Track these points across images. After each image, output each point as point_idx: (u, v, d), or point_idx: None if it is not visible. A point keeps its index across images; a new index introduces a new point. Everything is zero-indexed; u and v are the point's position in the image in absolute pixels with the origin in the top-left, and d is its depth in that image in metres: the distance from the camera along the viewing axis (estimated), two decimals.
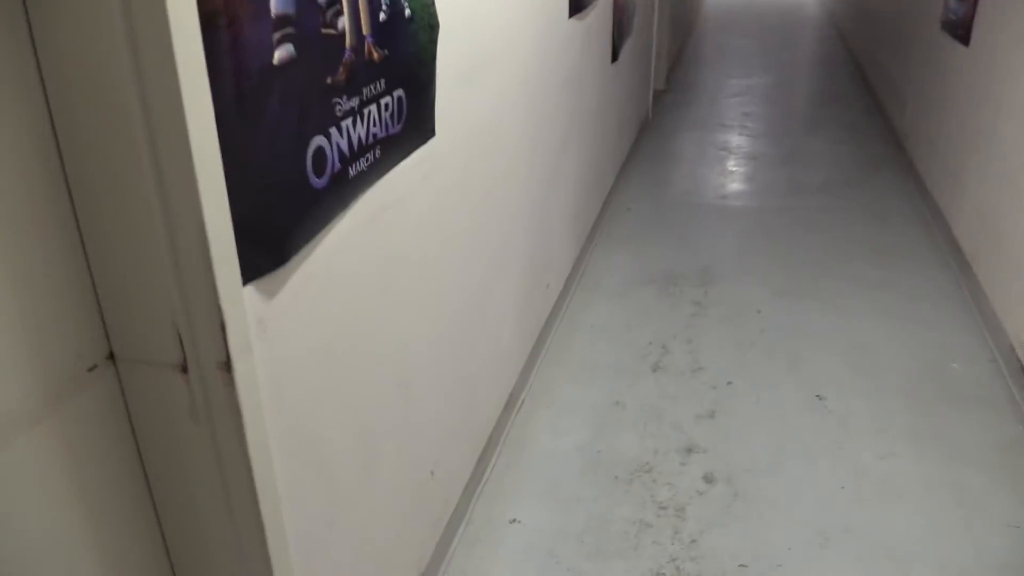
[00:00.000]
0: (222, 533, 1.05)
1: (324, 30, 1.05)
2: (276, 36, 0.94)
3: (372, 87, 1.20)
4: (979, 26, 3.16)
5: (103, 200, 0.87)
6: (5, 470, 0.83)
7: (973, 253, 3.02)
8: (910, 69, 4.46)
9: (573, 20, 2.67)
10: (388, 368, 1.44)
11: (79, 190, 0.87)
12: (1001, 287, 2.67)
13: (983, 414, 2.35)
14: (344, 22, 1.10)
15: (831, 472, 2.14)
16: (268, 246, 1.00)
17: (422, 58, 1.39)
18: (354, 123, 1.16)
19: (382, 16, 1.20)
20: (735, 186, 4.24)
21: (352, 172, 1.19)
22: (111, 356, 0.96)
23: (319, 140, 1.07)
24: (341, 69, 1.11)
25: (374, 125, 1.23)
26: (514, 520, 2.00)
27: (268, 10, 0.92)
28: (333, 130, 1.10)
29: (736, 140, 4.93)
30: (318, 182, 1.09)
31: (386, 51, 1.23)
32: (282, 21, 0.95)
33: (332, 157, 1.11)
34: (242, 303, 0.95)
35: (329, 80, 1.08)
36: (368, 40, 1.17)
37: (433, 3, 1.40)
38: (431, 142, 1.50)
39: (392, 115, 1.29)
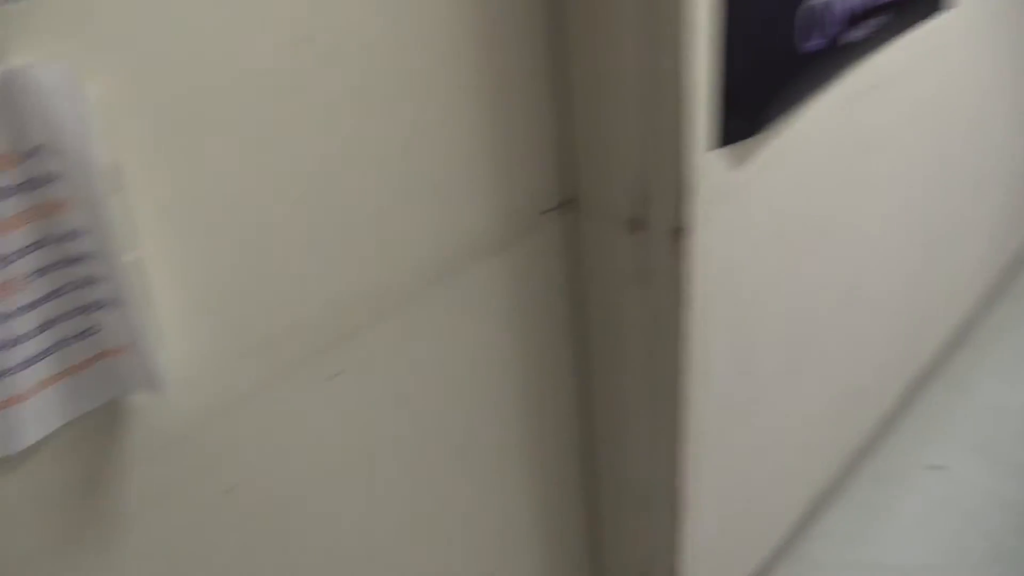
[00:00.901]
0: (639, 400, 1.06)
1: None
2: None
3: None
4: None
5: (584, 40, 0.86)
6: (457, 294, 0.90)
7: None
8: None
9: None
10: (836, 268, 1.31)
11: (564, 28, 0.87)
12: None
13: None
14: None
15: None
16: (743, 113, 0.92)
17: None
18: None
19: None
20: None
21: (847, 39, 1.04)
22: (564, 204, 0.98)
23: None
24: None
25: None
26: (935, 467, 1.76)
27: None
28: None
29: None
30: (808, 46, 0.97)
31: None
32: None
33: (826, 19, 0.98)
34: (706, 170, 0.89)
35: None
36: None
37: None
38: (942, 16, 1.26)
39: None
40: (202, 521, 0.74)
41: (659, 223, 0.92)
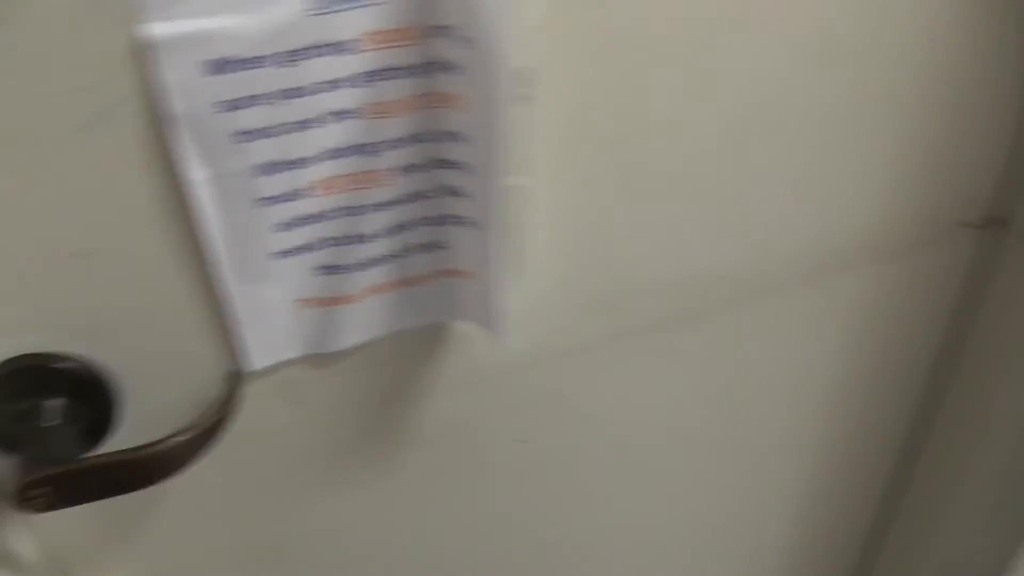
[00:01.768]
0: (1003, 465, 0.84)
1: None
2: None
3: None
4: None
5: None
6: (825, 295, 0.74)
7: None
8: None
9: None
10: None
11: None
12: None
13: None
14: None
15: None
16: None
17: None
18: None
19: None
20: None
21: None
22: (991, 222, 0.76)
23: None
24: None
25: None
26: None
27: None
28: None
29: None
30: None
31: None
32: None
33: None
34: None
35: None
36: None
37: None
38: None
39: None
40: (485, 464, 0.68)
41: None
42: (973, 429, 0.88)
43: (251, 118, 0.42)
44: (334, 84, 0.43)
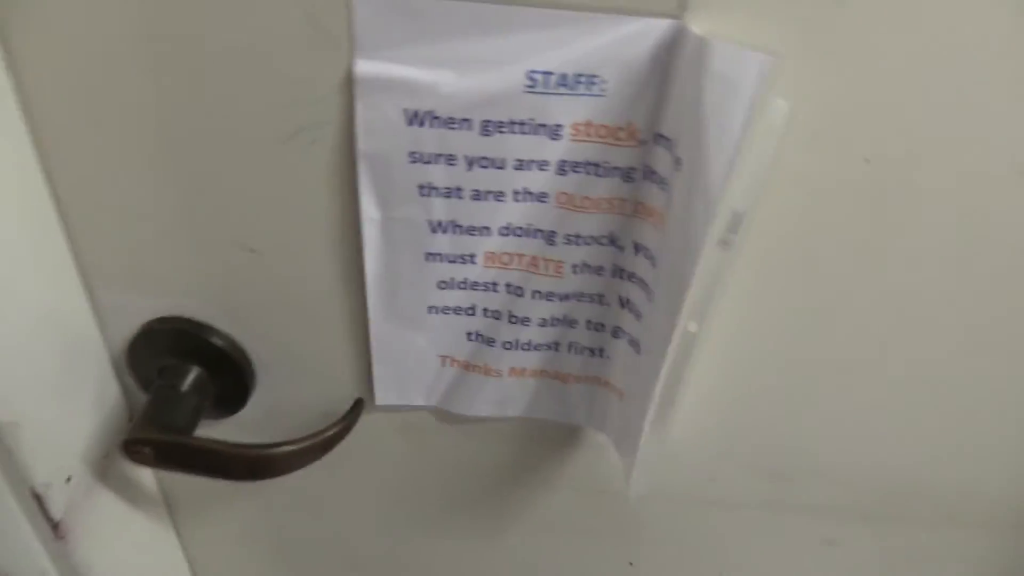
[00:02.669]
0: None
1: None
2: None
3: None
4: None
5: None
6: None
7: None
8: None
9: None
10: None
11: None
12: None
13: None
14: None
15: None
16: None
17: None
18: None
19: None
20: None
21: None
22: None
23: None
24: None
25: None
26: None
27: None
28: None
29: None
30: None
31: None
32: None
33: None
34: None
35: None
36: None
37: None
38: None
39: None
40: (584, 571, 0.63)
41: None
42: None
43: (438, 175, 0.41)
44: (530, 164, 0.40)
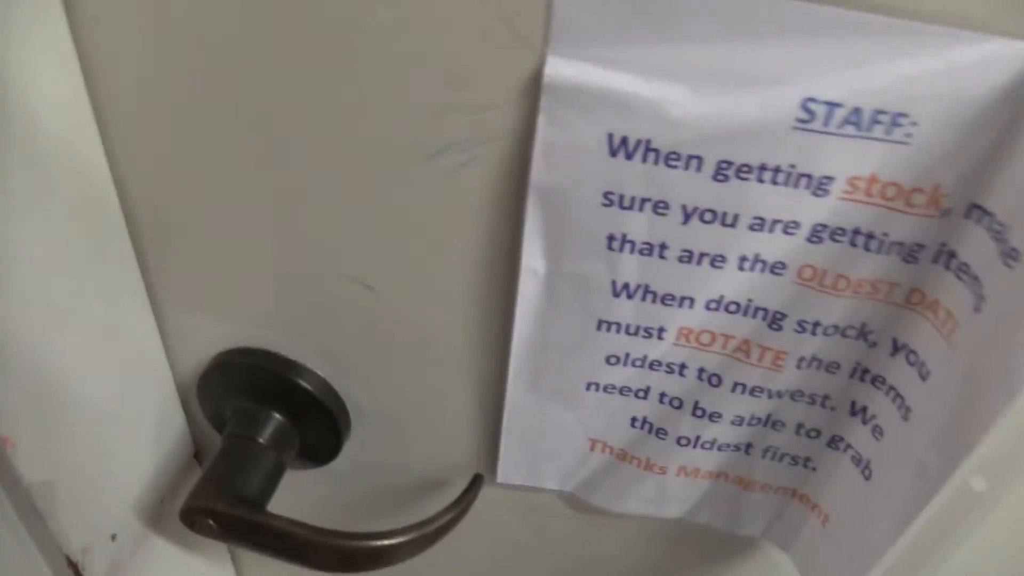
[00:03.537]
0: None
1: None
2: None
3: None
4: None
5: None
6: None
7: None
8: None
9: None
10: None
11: None
12: None
13: None
14: None
15: None
16: None
17: None
18: None
19: None
20: None
21: None
22: None
23: None
24: None
25: None
26: None
27: None
28: None
29: None
30: None
31: None
32: None
33: None
34: None
35: None
36: None
37: None
38: None
39: None
40: None
41: None
42: None
43: (639, 225, 0.29)
44: (774, 225, 0.28)
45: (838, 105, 0.25)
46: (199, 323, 0.38)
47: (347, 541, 0.36)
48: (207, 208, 0.33)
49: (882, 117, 0.26)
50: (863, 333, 0.31)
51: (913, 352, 0.31)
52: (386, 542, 0.37)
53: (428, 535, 0.38)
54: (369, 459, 0.42)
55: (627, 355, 0.34)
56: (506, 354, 0.35)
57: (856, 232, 0.29)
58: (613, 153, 0.27)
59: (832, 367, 0.33)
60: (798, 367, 0.33)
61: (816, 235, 0.29)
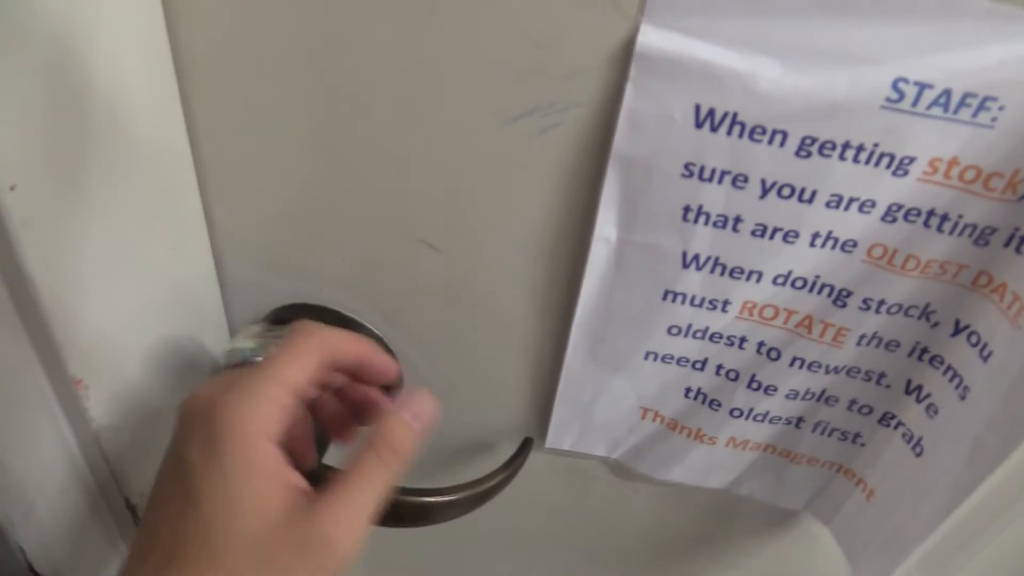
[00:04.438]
0: None
1: None
2: None
3: None
4: None
5: None
6: None
7: None
8: None
9: None
10: None
11: None
12: None
13: None
14: None
15: None
16: None
17: None
18: None
19: None
20: None
21: None
22: None
23: None
24: None
25: None
26: None
27: None
28: None
29: None
30: None
31: None
32: None
33: None
34: None
35: None
36: None
37: None
38: None
39: None
40: None
41: None
42: None
43: (716, 198, 0.30)
44: (851, 203, 0.29)
45: (928, 86, 0.26)
46: (258, 278, 0.39)
47: (402, 496, 0.37)
48: (275, 166, 0.34)
49: (971, 100, 0.26)
50: (926, 313, 0.32)
51: (975, 333, 0.31)
52: (438, 499, 0.38)
53: (478, 495, 0.39)
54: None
55: (689, 326, 0.35)
56: (567, 321, 0.36)
57: (931, 213, 0.29)
58: (699, 124, 0.28)
59: (892, 345, 0.34)
60: (858, 344, 0.34)
61: (891, 214, 0.30)
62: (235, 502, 0.22)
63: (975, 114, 0.27)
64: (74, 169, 0.28)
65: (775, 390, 0.36)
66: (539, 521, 0.48)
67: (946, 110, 0.27)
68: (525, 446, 0.41)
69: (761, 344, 0.35)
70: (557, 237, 0.34)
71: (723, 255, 0.32)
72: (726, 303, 0.33)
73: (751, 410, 0.37)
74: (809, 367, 0.35)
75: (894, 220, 0.30)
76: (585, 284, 0.34)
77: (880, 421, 0.36)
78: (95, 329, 0.32)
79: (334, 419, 0.30)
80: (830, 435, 0.38)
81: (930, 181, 0.28)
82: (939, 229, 0.30)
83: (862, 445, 0.38)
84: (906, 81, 0.26)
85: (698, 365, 0.36)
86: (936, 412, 0.34)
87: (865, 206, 0.29)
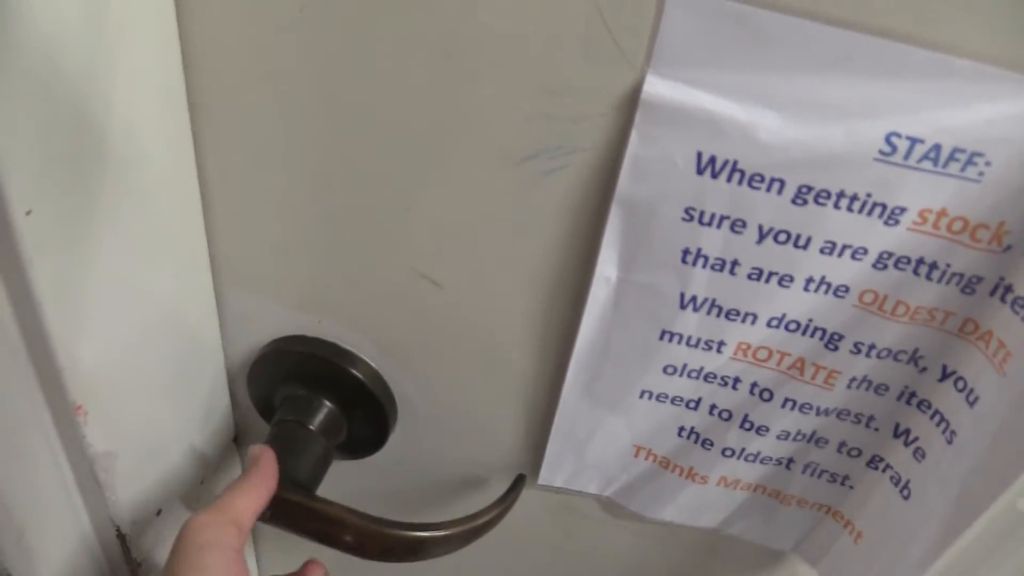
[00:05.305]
0: None
1: None
2: None
3: None
4: None
5: None
6: None
7: None
8: None
9: None
10: None
11: None
12: None
13: None
14: None
15: None
16: None
17: None
18: None
19: None
20: None
21: None
22: None
23: None
24: None
25: None
26: None
27: None
28: None
29: None
30: None
31: None
32: None
33: None
34: None
35: None
36: None
37: None
38: None
39: None
40: None
41: None
42: None
43: (714, 241, 0.31)
44: (843, 250, 0.31)
45: (920, 141, 0.28)
46: (257, 309, 0.40)
47: (396, 530, 0.38)
48: (281, 199, 0.35)
49: (959, 155, 0.28)
50: (914, 358, 0.34)
51: (962, 379, 0.33)
52: (431, 534, 0.38)
53: (472, 530, 0.39)
54: (411, 453, 0.44)
55: (684, 366, 0.36)
56: (565, 358, 0.37)
57: (920, 261, 0.31)
58: (700, 171, 0.29)
59: (881, 389, 0.35)
60: (848, 387, 0.35)
61: (882, 262, 0.31)
62: None
63: (963, 168, 0.28)
64: (86, 197, 0.28)
65: (767, 430, 0.37)
66: (531, 558, 0.49)
67: (936, 164, 0.28)
68: (518, 482, 0.42)
69: (754, 385, 0.36)
70: (558, 276, 0.35)
71: (720, 297, 0.33)
72: (721, 344, 0.34)
73: (743, 450, 0.38)
74: (800, 408, 0.36)
75: (885, 267, 0.31)
76: (584, 322, 0.35)
77: (869, 464, 0.38)
78: (97, 355, 0.32)
79: None
80: (819, 476, 0.39)
81: (920, 231, 0.30)
82: (928, 277, 0.31)
83: (851, 487, 0.39)
84: (899, 135, 0.28)
85: (692, 404, 0.37)
86: (923, 456, 0.35)
87: (857, 253, 0.31)
